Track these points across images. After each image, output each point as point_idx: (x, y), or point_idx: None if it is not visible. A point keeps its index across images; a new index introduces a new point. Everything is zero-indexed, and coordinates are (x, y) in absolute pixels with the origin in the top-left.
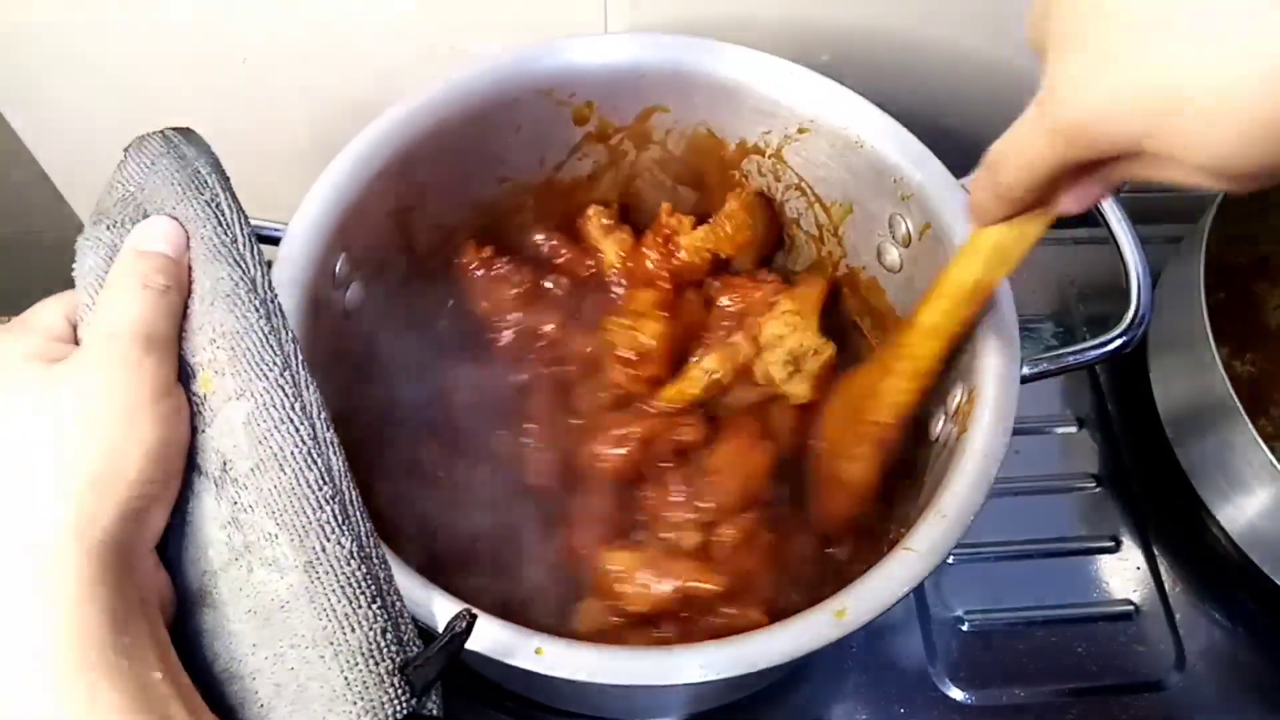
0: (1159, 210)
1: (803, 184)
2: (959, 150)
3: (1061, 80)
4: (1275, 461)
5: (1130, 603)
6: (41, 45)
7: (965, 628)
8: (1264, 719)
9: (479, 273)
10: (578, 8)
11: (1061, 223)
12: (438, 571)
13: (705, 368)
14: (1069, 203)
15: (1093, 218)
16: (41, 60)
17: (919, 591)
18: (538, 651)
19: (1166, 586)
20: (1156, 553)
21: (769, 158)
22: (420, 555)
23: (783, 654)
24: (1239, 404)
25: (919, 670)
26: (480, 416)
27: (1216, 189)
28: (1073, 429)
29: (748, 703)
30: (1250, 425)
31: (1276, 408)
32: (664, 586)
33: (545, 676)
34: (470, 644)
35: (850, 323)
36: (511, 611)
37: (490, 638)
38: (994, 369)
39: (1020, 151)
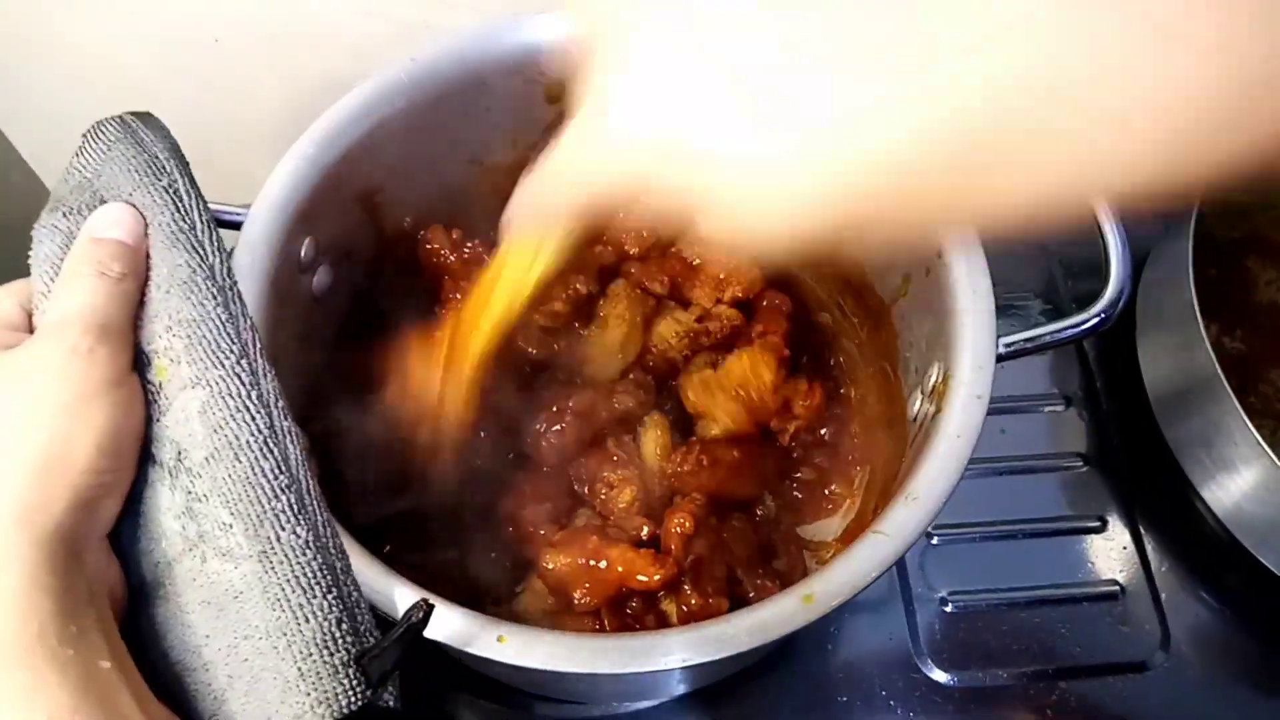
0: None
1: None
2: None
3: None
4: (1263, 441)
5: (1116, 583)
6: (11, 24)
7: (948, 608)
8: (1248, 700)
9: (449, 257)
10: None
11: None
12: (389, 542)
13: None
14: None
15: None
16: (11, 40)
17: (901, 572)
18: (500, 639)
19: (1153, 566)
20: (1143, 532)
21: None
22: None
23: (749, 640)
24: (1227, 383)
25: (901, 651)
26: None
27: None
28: (1060, 407)
29: (726, 684)
30: (1238, 404)
31: (1266, 386)
32: (604, 581)
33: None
34: (431, 633)
35: (833, 303)
36: (462, 583)
37: (450, 627)
38: (969, 348)
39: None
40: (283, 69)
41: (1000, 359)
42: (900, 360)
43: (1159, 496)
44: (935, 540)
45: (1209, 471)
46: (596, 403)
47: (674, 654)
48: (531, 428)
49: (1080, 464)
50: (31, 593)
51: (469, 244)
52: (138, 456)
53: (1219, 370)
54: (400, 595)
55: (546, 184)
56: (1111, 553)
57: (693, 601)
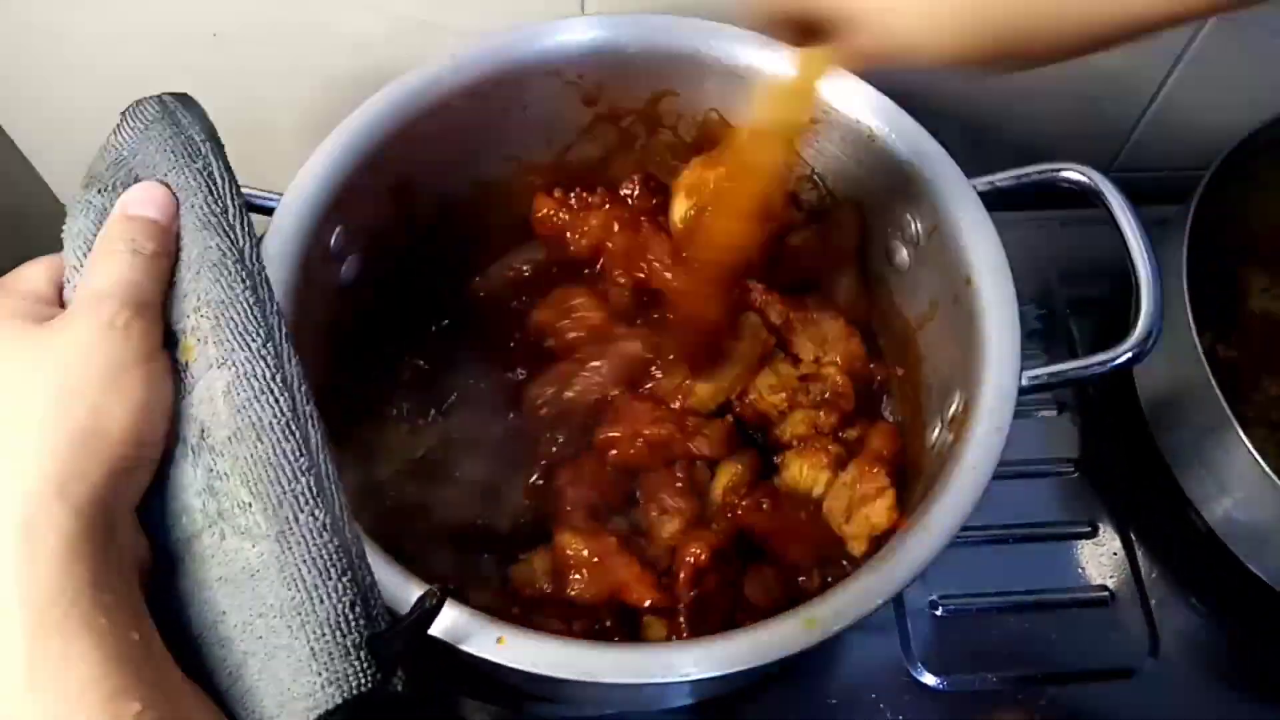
0: (1146, 191)
1: (815, 175)
2: (978, 146)
3: None
4: (1254, 450)
5: (1106, 589)
6: (9, 17)
7: (939, 613)
8: (1236, 706)
9: (563, 216)
10: None
11: (1046, 202)
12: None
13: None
14: None
15: (1084, 202)
16: (9, 32)
17: None
18: (499, 641)
19: (1143, 573)
20: (1134, 539)
21: None
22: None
23: (748, 660)
24: (1219, 391)
25: (891, 655)
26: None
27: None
28: (1053, 412)
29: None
30: (1230, 413)
31: (1258, 394)
32: (602, 582)
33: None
34: (431, 628)
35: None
36: (472, 522)
37: (450, 622)
38: (993, 380)
39: None
40: (281, 64)
41: (1023, 391)
42: (923, 387)
43: (1150, 503)
44: None
45: (1200, 479)
46: (674, 440)
47: (673, 670)
48: (605, 432)
49: (1072, 469)
50: (69, 560)
51: (572, 196)
52: (166, 432)
53: (1212, 378)
54: (412, 591)
55: None
56: (1102, 558)
57: (684, 635)
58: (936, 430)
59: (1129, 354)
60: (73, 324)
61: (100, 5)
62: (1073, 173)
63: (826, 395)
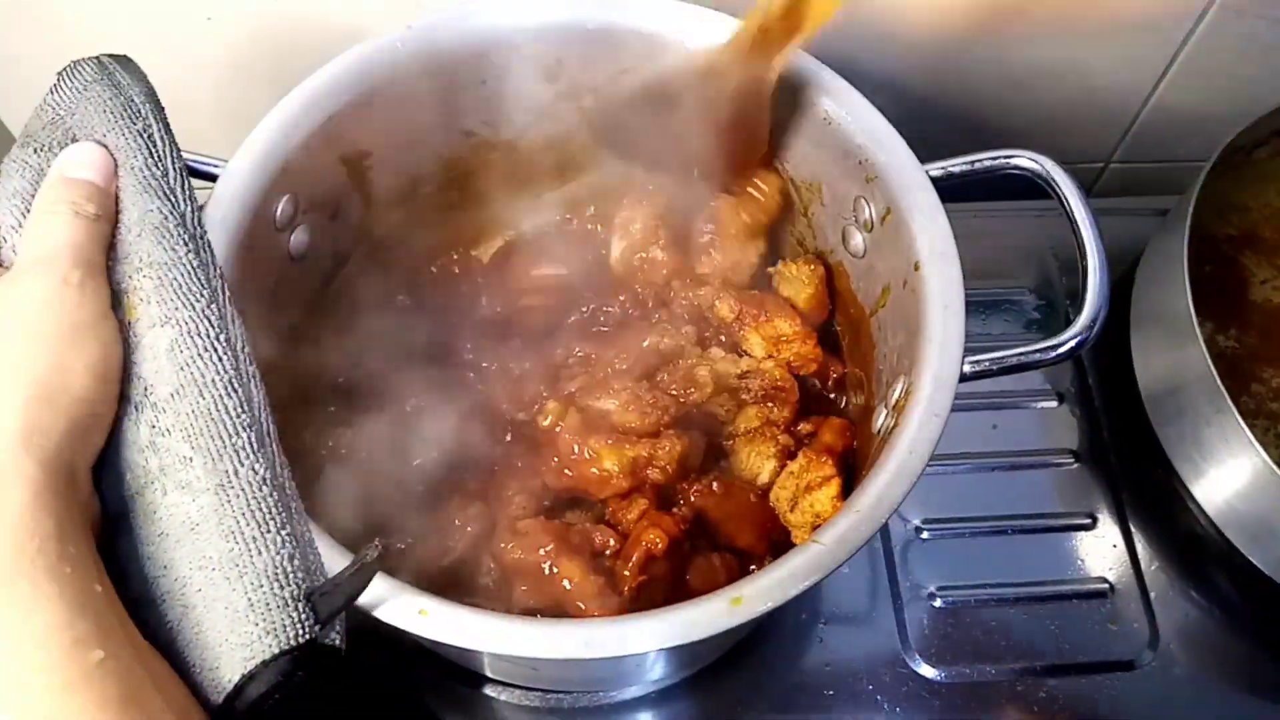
0: (1147, 182)
1: (774, 162)
2: (978, 137)
3: None
4: (1255, 440)
5: (1105, 580)
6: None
7: (937, 604)
8: (1236, 699)
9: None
10: None
11: (1042, 194)
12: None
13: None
14: None
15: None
16: (3, 15)
17: (890, 566)
18: (422, 612)
19: (1143, 565)
20: (1133, 530)
21: None
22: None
23: (671, 638)
24: (1219, 381)
25: (889, 646)
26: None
27: None
28: (1053, 403)
29: (712, 675)
30: (1231, 403)
31: (1259, 385)
32: (547, 592)
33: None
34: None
35: None
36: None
37: (372, 593)
38: (933, 365)
39: None
40: (275, 49)
41: (965, 378)
42: (874, 373)
43: (1150, 494)
44: (925, 535)
45: (1200, 470)
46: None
47: (596, 646)
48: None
49: (1071, 460)
50: (36, 509)
51: None
52: (118, 391)
53: (1212, 368)
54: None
55: None
56: (1101, 550)
57: None
58: (883, 416)
59: (1073, 341)
60: (28, 281)
61: None
62: (1023, 159)
63: (765, 391)
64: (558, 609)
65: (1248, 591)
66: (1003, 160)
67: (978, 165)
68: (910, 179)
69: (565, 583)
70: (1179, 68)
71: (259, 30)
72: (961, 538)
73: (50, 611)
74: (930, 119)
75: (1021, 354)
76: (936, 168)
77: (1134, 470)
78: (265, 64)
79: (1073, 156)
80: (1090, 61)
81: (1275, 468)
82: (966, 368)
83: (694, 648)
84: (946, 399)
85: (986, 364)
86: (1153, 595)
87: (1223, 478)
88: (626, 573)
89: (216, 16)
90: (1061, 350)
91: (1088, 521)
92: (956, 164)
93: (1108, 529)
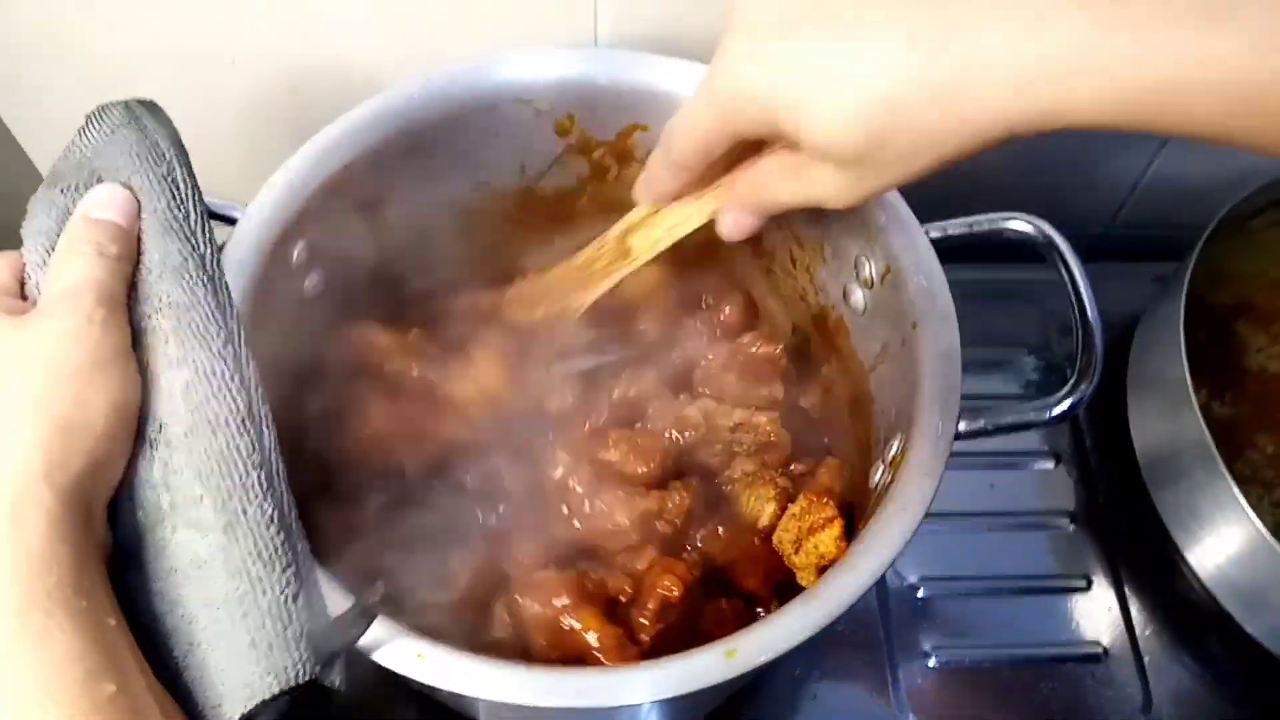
0: (1145, 247)
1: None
2: (978, 200)
3: (726, 56)
4: (1249, 508)
5: (1099, 644)
6: (29, 31)
7: (932, 663)
8: None
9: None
10: (569, 17)
11: (1043, 258)
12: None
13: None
14: (726, 226)
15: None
16: (28, 47)
17: (887, 622)
18: (419, 656)
19: (1137, 629)
20: (1128, 594)
21: None
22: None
23: (663, 690)
24: (1215, 447)
25: (883, 704)
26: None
27: (831, 191)
28: (1050, 465)
29: None
30: (1225, 469)
31: (1254, 452)
32: (567, 645)
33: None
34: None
35: (816, 365)
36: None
37: (370, 635)
38: (928, 424)
39: (688, 119)
40: (297, 96)
41: (960, 436)
42: (872, 429)
43: (1145, 559)
44: (921, 593)
45: (1195, 536)
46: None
47: (590, 695)
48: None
49: (1068, 523)
50: (54, 542)
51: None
52: (135, 429)
53: (1208, 435)
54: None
55: (674, 141)
56: (1096, 614)
57: None
58: (879, 471)
59: (1067, 403)
60: (52, 317)
61: (123, 25)
62: (1020, 223)
63: (757, 445)
64: (578, 661)
65: (1241, 658)
66: (1000, 223)
67: (976, 227)
68: (909, 238)
69: (586, 635)
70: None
71: (281, 75)
72: (958, 597)
73: (64, 644)
74: (932, 181)
75: (1016, 415)
76: (936, 228)
77: (1130, 534)
78: (287, 108)
79: (1074, 220)
80: (1092, 132)
81: (1268, 535)
82: (962, 426)
83: (688, 700)
84: (942, 457)
85: (982, 423)
86: (1147, 660)
87: (1217, 544)
88: (644, 620)
89: (241, 60)
90: (1055, 412)
91: (1083, 584)
92: (955, 225)
93: (1103, 592)
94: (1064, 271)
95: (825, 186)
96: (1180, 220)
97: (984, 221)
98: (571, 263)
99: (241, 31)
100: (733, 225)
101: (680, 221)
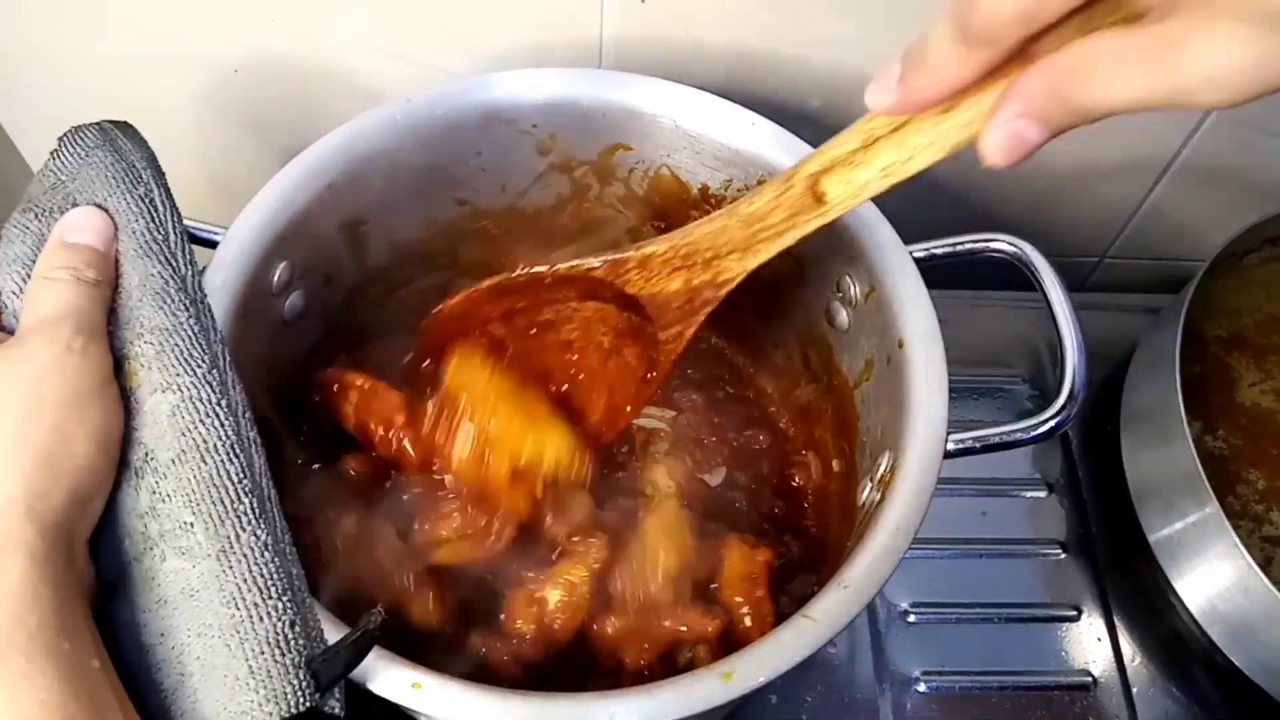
0: (1141, 279)
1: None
2: (972, 228)
3: None
4: (1239, 541)
5: (1088, 673)
6: (28, 36)
7: (921, 688)
8: None
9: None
10: (574, 38)
11: (1029, 285)
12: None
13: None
14: (997, 142)
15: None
16: (27, 51)
17: (877, 648)
18: (415, 686)
19: (1126, 659)
20: (1118, 624)
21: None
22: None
23: (667, 711)
24: (1206, 481)
25: None
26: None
27: (1221, 72)
28: (1042, 493)
29: None
30: (1216, 503)
31: (1245, 486)
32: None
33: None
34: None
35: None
36: None
37: (366, 666)
38: (918, 443)
39: None
40: (298, 105)
41: (949, 455)
42: (858, 445)
43: (1135, 589)
44: (912, 619)
45: (1185, 568)
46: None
47: (585, 719)
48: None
49: (1059, 551)
50: (36, 581)
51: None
52: (119, 458)
53: (1200, 468)
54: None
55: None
56: (1085, 643)
57: None
58: (867, 490)
59: (1052, 421)
60: (30, 347)
61: (124, 31)
62: (1002, 243)
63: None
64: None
65: (1228, 691)
66: (983, 243)
67: (960, 248)
68: (893, 259)
69: (680, 627)
70: (1175, 171)
71: (283, 85)
72: (948, 623)
73: (45, 690)
74: (928, 206)
75: (1003, 433)
76: (920, 249)
77: (1120, 564)
78: (287, 118)
79: (1069, 250)
80: (1089, 160)
81: (1258, 569)
82: (950, 445)
83: None
84: (932, 475)
85: (970, 441)
86: (1134, 690)
87: (1206, 577)
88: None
89: (244, 69)
90: (1040, 430)
91: (1073, 613)
92: (939, 246)
93: (1093, 621)
94: (1040, 288)
95: (1213, 67)
96: (1173, 253)
97: (967, 242)
98: (734, 211)
99: (247, 41)
100: (1010, 140)
101: (917, 150)
